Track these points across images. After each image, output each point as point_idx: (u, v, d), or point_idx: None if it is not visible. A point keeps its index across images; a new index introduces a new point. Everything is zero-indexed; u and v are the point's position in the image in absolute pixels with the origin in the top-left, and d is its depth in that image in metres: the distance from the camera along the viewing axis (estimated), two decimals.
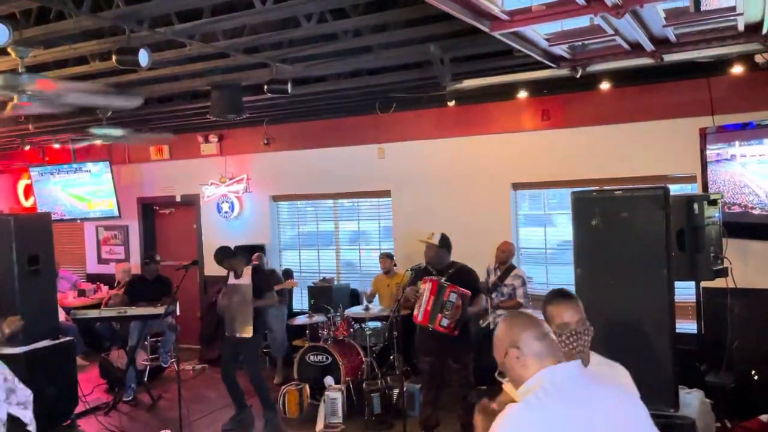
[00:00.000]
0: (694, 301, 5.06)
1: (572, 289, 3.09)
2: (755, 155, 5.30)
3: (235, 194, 8.88)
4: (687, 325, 5.54)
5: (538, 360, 1.91)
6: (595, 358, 2.61)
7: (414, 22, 4.33)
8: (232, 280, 6.07)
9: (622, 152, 6.45)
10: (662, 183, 5.53)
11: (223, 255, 6.04)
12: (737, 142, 5.46)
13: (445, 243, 5.09)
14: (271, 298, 6.14)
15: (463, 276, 5.01)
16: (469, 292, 4.84)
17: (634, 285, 3.57)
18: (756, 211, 5.31)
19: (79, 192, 9.50)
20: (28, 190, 10.32)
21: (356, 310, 7.09)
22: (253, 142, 8.61)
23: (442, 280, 4.86)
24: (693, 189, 6.17)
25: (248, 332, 5.91)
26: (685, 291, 5.09)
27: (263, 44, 4.75)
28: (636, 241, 3.57)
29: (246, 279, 6.02)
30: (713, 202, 4.60)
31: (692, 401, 3.78)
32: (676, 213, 3.93)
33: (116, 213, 9.30)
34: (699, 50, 4.45)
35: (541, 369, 1.89)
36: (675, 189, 5.57)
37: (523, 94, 6.46)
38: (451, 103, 6.55)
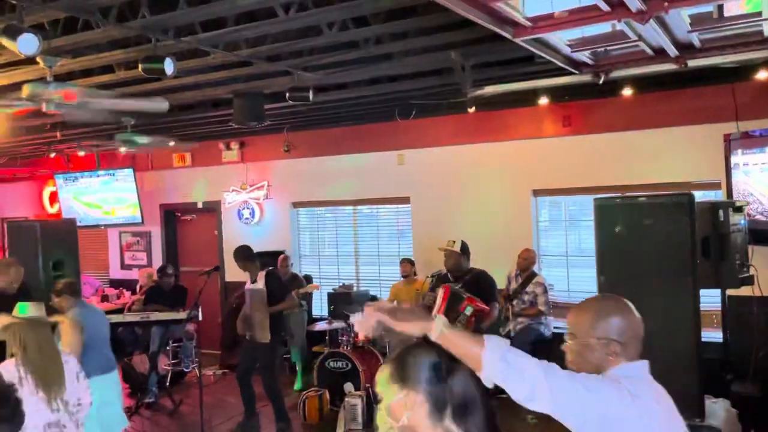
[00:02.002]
0: (720, 309, 4.99)
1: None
2: None
3: (256, 201, 8.94)
4: (712, 334, 5.45)
5: (625, 358, 1.88)
6: None
7: (435, 30, 4.34)
8: (248, 285, 6.10)
9: (645, 159, 6.40)
10: (686, 190, 5.46)
11: (241, 255, 6.06)
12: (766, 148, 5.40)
13: (465, 250, 5.10)
14: (290, 301, 6.15)
15: (476, 282, 5.01)
16: (487, 309, 4.80)
17: (658, 293, 3.53)
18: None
19: (91, 200, 9.64)
20: (54, 197, 10.49)
21: None
22: (274, 149, 8.67)
23: (455, 287, 4.87)
24: (717, 196, 6.09)
25: (265, 337, 5.93)
26: (710, 299, 5.02)
27: (285, 52, 4.79)
28: (660, 248, 3.55)
29: (260, 284, 6.04)
30: (739, 209, 4.54)
31: (718, 411, 3.73)
32: (700, 220, 3.89)
33: (139, 219, 9.42)
34: (724, 56, 4.40)
35: (622, 364, 1.87)
36: (698, 196, 5.51)
37: (544, 101, 6.43)
38: (472, 110, 6.54)
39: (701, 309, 3.60)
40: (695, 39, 4.11)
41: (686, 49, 4.29)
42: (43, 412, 3.07)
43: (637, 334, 1.94)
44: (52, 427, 3.10)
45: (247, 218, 9.00)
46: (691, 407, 3.49)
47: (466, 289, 4.84)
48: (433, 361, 1.60)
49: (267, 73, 5.31)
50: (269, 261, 7.20)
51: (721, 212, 4.32)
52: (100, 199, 9.55)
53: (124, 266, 10.31)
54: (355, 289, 8.20)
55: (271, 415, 6.13)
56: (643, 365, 1.92)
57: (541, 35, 3.60)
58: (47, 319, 3.45)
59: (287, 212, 8.85)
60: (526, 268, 6.44)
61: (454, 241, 5.13)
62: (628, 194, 5.56)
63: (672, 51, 4.20)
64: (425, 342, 1.65)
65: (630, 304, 1.98)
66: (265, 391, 6.04)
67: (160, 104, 4.79)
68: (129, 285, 9.76)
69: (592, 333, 1.90)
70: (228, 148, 9.05)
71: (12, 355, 3.10)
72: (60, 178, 9.81)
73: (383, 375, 1.64)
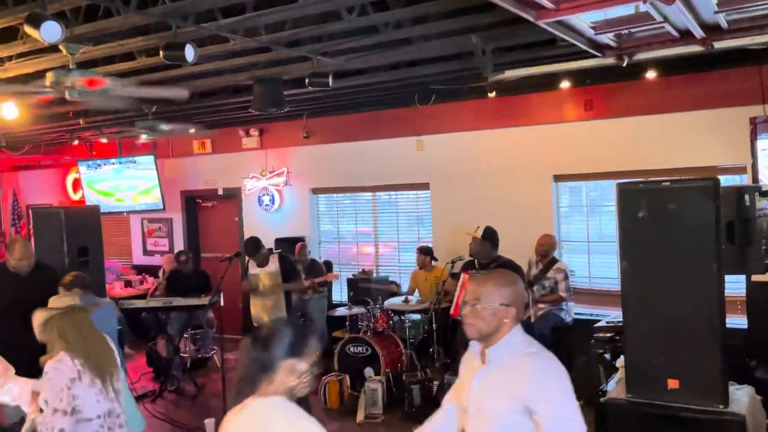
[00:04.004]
0: (744, 295, 4.93)
1: (618, 282, 3.03)
2: None
3: (276, 187, 8.98)
4: (736, 320, 5.39)
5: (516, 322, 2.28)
6: None
7: (455, 13, 4.30)
8: (255, 270, 5.99)
9: (668, 143, 6.30)
10: (710, 174, 5.39)
11: (256, 246, 5.97)
12: None
13: (488, 236, 5.06)
14: (301, 283, 6.13)
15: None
16: None
17: (682, 278, 3.49)
18: None
19: (103, 187, 9.76)
20: (77, 184, 10.63)
21: (395, 302, 7.11)
22: (293, 135, 8.69)
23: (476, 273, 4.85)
24: (742, 180, 5.99)
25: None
26: (734, 285, 4.95)
27: (305, 38, 4.78)
28: (684, 233, 3.49)
29: (273, 267, 5.99)
30: (765, 194, 4.45)
31: (742, 397, 3.68)
32: (725, 204, 3.82)
33: (161, 206, 9.52)
34: (751, 37, 4.30)
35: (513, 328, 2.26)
36: (723, 180, 5.42)
37: (565, 84, 6.35)
38: (492, 94, 6.49)
39: (725, 295, 3.54)
40: (722, 20, 4.03)
41: (712, 30, 4.21)
42: (102, 402, 3.02)
43: (524, 302, 2.40)
44: (109, 417, 3.04)
45: (267, 205, 9.05)
46: (714, 393, 3.46)
47: None
48: None
49: (286, 59, 5.31)
50: (288, 247, 7.24)
51: (746, 197, 4.23)
52: (112, 186, 9.67)
53: (146, 252, 10.45)
54: (374, 274, 8.22)
55: None
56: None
57: (564, 17, 3.54)
58: (81, 304, 3.39)
59: (307, 198, 8.88)
60: (544, 254, 6.41)
61: (478, 227, 5.10)
62: (651, 179, 5.49)
63: (698, 32, 4.12)
64: None
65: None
66: None
67: (180, 92, 4.82)
68: (152, 271, 9.89)
69: (497, 299, 2.23)
70: (248, 134, 9.08)
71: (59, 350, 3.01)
72: (83, 165, 9.94)
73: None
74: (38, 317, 3.07)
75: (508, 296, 2.24)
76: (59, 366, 2.94)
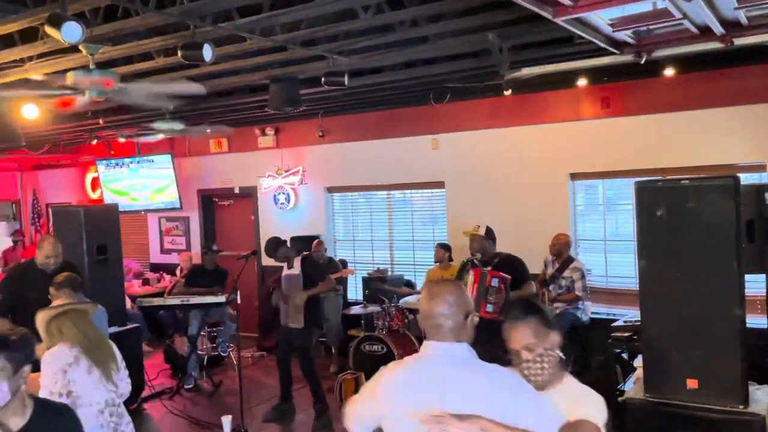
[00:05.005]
0: (764, 294, 4.85)
1: (635, 281, 3.01)
2: None
3: (291, 186, 9.02)
4: (755, 320, 5.31)
5: None
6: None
7: (471, 11, 4.29)
8: (285, 271, 6.16)
9: (687, 140, 6.24)
10: (729, 172, 5.31)
11: (276, 245, 6.09)
12: None
13: (490, 235, 5.13)
14: (327, 283, 6.20)
15: (508, 264, 5.03)
16: (509, 277, 4.86)
17: (701, 277, 3.46)
18: None
19: (118, 187, 9.87)
20: (95, 183, 10.75)
21: (410, 300, 7.11)
22: (309, 134, 8.71)
23: (484, 269, 4.90)
24: (762, 178, 5.92)
25: (299, 322, 5.98)
26: (753, 284, 4.89)
27: (320, 37, 4.80)
28: (704, 232, 3.46)
29: (296, 269, 6.09)
30: None
31: (762, 397, 3.64)
32: (745, 203, 3.77)
33: (178, 204, 9.60)
34: None
35: None
36: (743, 178, 5.36)
37: (582, 82, 6.31)
38: (508, 92, 6.46)
39: (745, 294, 3.51)
40: (742, 16, 3.98)
41: (732, 26, 4.16)
42: (101, 391, 3.16)
43: None
44: (111, 406, 3.19)
45: (282, 203, 9.09)
46: (734, 393, 3.42)
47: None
48: None
49: (302, 58, 5.32)
50: (304, 246, 7.27)
51: (767, 195, 4.20)
52: (127, 186, 9.77)
53: (163, 251, 10.54)
54: (389, 273, 8.23)
55: (307, 398, 6.22)
56: None
57: (582, 14, 3.52)
58: (80, 305, 3.48)
59: (322, 197, 8.91)
60: (558, 254, 6.37)
61: (479, 225, 5.17)
62: (669, 177, 5.44)
63: (717, 29, 4.07)
64: None
65: None
66: (303, 373, 6.13)
67: (196, 87, 4.83)
68: (169, 269, 9.98)
69: (462, 316, 2.09)
70: (264, 133, 9.13)
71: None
72: (101, 164, 10.04)
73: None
74: (39, 319, 3.21)
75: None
76: (56, 351, 3.13)
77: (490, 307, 4.71)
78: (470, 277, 4.89)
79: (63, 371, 3.07)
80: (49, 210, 10.54)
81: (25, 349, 2.22)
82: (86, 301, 3.90)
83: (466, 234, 5.21)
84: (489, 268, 4.93)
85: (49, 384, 3.04)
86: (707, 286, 3.45)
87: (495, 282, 4.76)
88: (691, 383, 3.47)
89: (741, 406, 3.42)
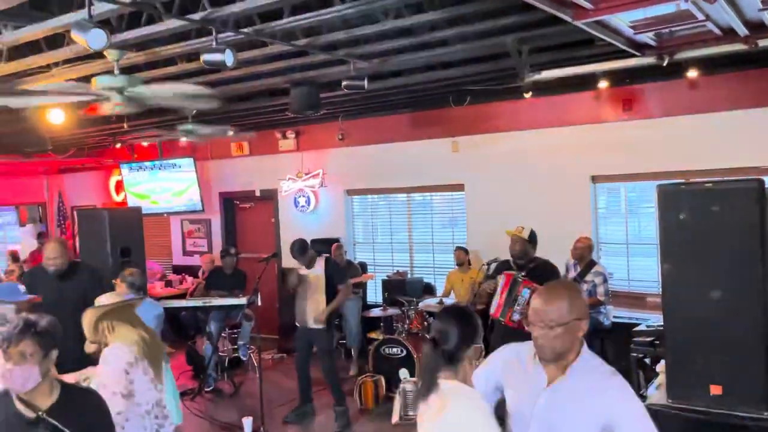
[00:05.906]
0: None
1: (658, 286, 2.98)
2: None
3: (311, 189, 9.07)
4: None
5: None
6: None
7: (491, 14, 4.29)
8: (303, 270, 6.13)
9: (710, 143, 6.16)
10: (754, 175, 5.24)
11: (302, 247, 6.10)
12: None
13: (533, 238, 5.01)
14: (347, 288, 6.21)
15: (543, 272, 4.90)
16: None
17: (725, 281, 3.41)
18: None
19: (139, 190, 9.99)
20: (119, 186, 10.91)
21: (430, 303, 7.10)
22: (329, 137, 8.76)
23: (519, 275, 4.79)
24: None
25: (320, 323, 6.00)
26: None
27: (341, 41, 4.83)
28: (728, 235, 3.41)
29: (318, 269, 6.09)
30: None
31: None
32: None
33: (200, 207, 9.71)
34: None
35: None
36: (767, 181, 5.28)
37: (603, 84, 6.26)
38: (528, 95, 6.44)
39: None
40: (766, 17, 3.92)
41: (756, 28, 4.10)
42: (153, 391, 3.10)
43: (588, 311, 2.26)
44: (158, 407, 3.12)
45: (302, 206, 9.14)
46: (758, 399, 3.37)
47: (530, 279, 4.77)
48: None
49: (323, 63, 5.36)
50: (323, 248, 7.30)
51: None
52: (147, 189, 9.89)
53: (185, 252, 10.66)
54: (409, 276, 8.23)
55: (327, 400, 6.24)
56: None
57: (602, 17, 3.50)
58: (129, 300, 3.47)
59: (342, 200, 8.94)
60: (580, 257, 6.31)
61: (522, 227, 5.03)
62: (692, 180, 5.38)
63: (741, 30, 4.02)
64: None
65: None
66: (324, 375, 6.15)
67: (206, 92, 4.86)
68: (191, 271, 10.09)
69: (568, 314, 2.10)
70: (284, 137, 9.20)
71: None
72: (125, 167, 10.19)
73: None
74: (88, 317, 3.11)
75: (578, 309, 2.13)
76: (117, 351, 3.03)
77: (516, 317, 4.63)
78: (501, 280, 4.80)
79: (125, 371, 2.98)
80: (74, 212, 10.73)
81: (54, 335, 2.40)
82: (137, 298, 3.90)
83: (509, 234, 5.10)
84: (523, 274, 4.82)
85: (111, 383, 2.94)
86: (731, 290, 3.40)
87: (526, 293, 4.64)
88: (715, 389, 3.43)
89: (766, 413, 3.37)
